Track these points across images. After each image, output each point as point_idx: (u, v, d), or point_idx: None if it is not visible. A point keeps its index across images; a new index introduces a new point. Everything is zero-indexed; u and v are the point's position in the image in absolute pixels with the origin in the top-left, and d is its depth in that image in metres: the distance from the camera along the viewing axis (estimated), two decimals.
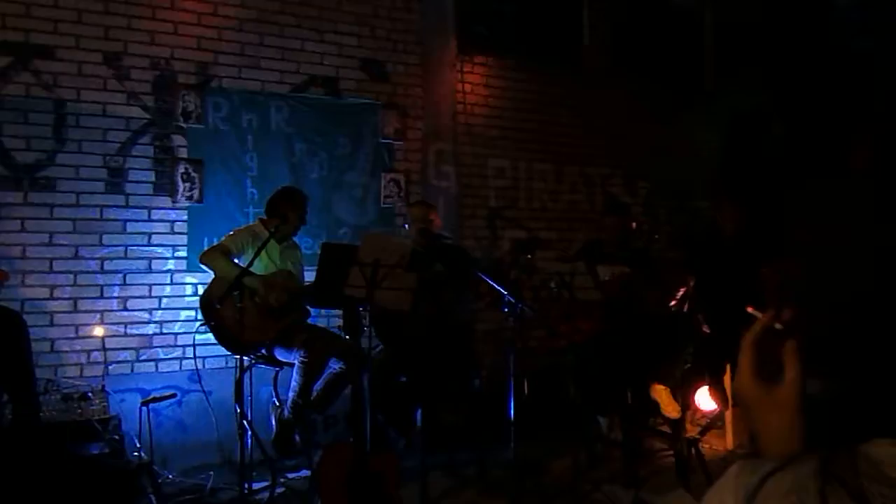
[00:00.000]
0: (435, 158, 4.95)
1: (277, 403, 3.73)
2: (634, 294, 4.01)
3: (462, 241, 4.93)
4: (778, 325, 0.87)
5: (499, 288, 3.38)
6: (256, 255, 3.41)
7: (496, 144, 5.26)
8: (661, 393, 3.91)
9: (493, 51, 5.23)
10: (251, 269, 3.41)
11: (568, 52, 5.50)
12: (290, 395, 3.59)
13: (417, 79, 4.95)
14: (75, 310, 3.97)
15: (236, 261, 3.60)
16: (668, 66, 5.57)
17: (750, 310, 0.90)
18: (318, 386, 3.66)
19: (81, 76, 4.00)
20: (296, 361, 3.57)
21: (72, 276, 3.97)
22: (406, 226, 4.19)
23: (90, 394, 3.50)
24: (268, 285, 3.54)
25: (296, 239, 3.99)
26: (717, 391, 4.16)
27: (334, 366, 3.67)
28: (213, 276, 3.58)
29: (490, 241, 5.19)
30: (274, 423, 3.71)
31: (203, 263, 3.59)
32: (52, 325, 3.90)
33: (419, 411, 3.86)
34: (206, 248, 3.76)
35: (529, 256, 4.05)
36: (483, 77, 5.23)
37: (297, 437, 3.64)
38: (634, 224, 4.29)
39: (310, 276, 3.84)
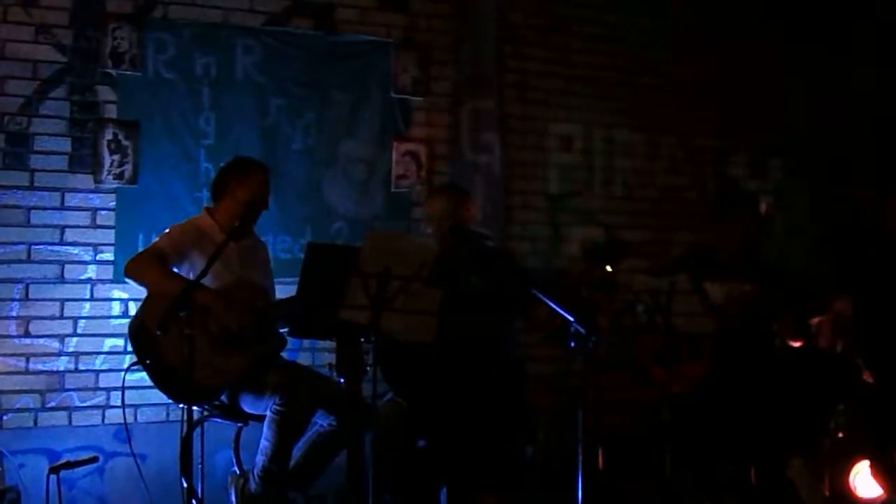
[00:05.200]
0: (471, 122, 4.97)
1: (240, 473, 3.77)
2: (762, 324, 3.98)
3: (509, 242, 4.95)
4: None
5: (563, 312, 3.39)
6: (212, 261, 3.42)
7: (561, 102, 5.25)
8: (800, 471, 3.89)
9: None
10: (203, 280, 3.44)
11: None
12: (260, 460, 3.62)
13: (446, 6, 4.98)
14: None
15: (175, 270, 3.65)
16: None
17: None
18: (299, 450, 3.70)
19: None
20: (267, 413, 3.60)
21: None
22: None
23: None
24: (227, 303, 3.59)
25: (268, 237, 4.04)
26: (884, 470, 4.11)
27: (322, 421, 3.70)
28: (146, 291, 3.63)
29: (551, 243, 5.20)
30: (235, 500, 3.75)
31: (129, 276, 3.64)
32: None
33: (445, 491, 3.88)
34: (134, 254, 3.78)
35: (608, 267, 4.04)
36: (542, 2, 5.23)
37: None
38: (764, 221, 4.26)
39: (289, 289, 3.88)
